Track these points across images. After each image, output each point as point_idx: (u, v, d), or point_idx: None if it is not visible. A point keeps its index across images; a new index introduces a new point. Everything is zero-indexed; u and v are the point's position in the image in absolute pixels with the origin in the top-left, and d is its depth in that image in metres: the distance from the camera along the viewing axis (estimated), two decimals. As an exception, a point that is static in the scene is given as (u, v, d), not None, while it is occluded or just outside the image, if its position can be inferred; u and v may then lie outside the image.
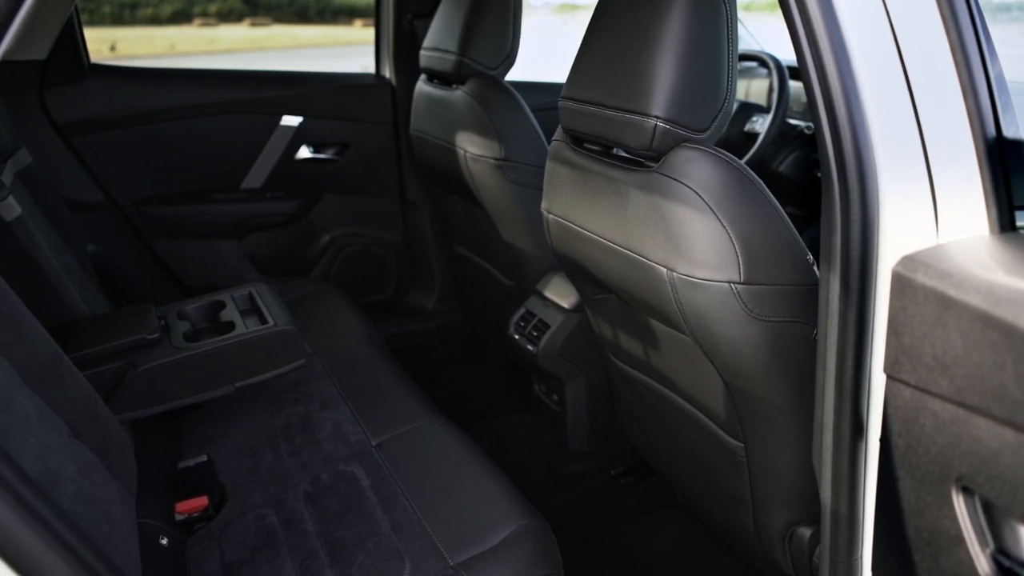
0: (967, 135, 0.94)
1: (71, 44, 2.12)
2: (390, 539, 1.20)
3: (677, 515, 1.87)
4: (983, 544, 0.84)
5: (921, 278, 0.84)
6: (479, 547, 1.16)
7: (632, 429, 1.74)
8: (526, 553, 1.16)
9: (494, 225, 2.00)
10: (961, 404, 0.81)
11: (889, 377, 0.90)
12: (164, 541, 1.26)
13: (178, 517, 1.32)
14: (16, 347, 1.12)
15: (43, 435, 1.05)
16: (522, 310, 1.98)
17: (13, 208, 1.48)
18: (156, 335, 1.50)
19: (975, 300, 0.78)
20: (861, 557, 1.06)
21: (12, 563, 0.68)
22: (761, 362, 1.16)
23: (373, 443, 1.45)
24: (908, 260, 0.88)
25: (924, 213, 0.93)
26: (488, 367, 2.57)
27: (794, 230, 1.14)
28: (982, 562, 0.83)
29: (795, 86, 2.34)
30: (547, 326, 1.88)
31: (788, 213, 1.15)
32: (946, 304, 0.81)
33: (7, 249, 1.45)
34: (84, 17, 2.22)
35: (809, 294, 1.12)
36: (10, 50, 0.66)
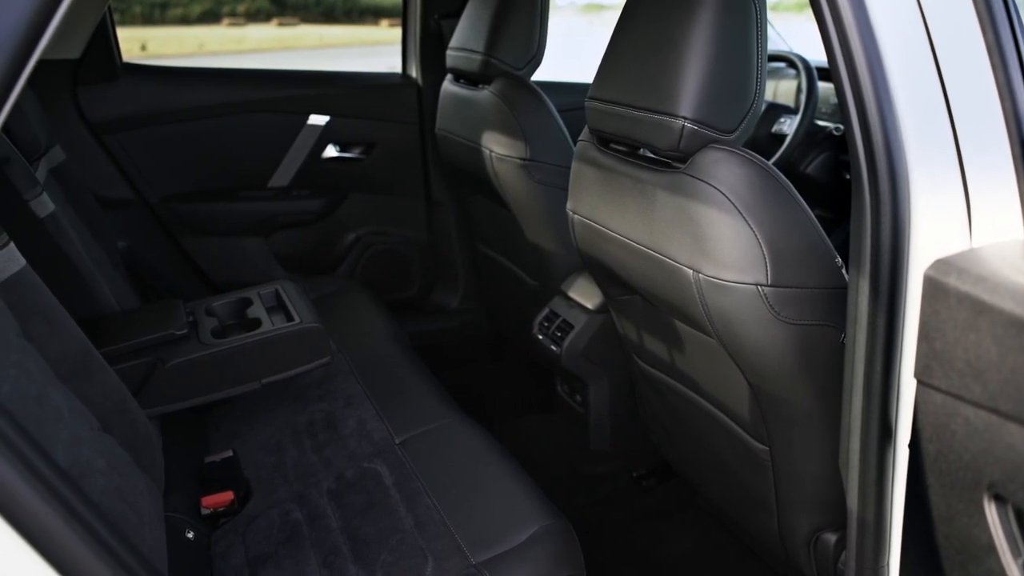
0: (1003, 137, 0.92)
1: (104, 43, 2.16)
2: (413, 537, 1.20)
3: (699, 518, 1.86)
4: (1015, 553, 0.82)
5: (954, 282, 0.83)
6: (501, 547, 1.16)
7: (655, 431, 1.73)
8: (548, 554, 1.16)
9: (519, 225, 2.00)
10: (994, 411, 0.79)
11: (920, 382, 0.89)
12: (190, 535, 1.27)
13: (204, 511, 1.34)
14: (49, 341, 1.14)
15: (74, 428, 1.07)
16: (546, 310, 1.98)
17: (47, 205, 1.51)
18: (184, 331, 1.52)
19: (1010, 305, 0.77)
20: (888, 564, 1.05)
21: (45, 554, 0.70)
22: (788, 365, 1.15)
23: (396, 441, 1.45)
24: (941, 264, 0.86)
25: (957, 216, 0.92)
26: (511, 367, 2.57)
27: (823, 232, 1.12)
28: (1014, 571, 0.82)
29: (823, 87, 2.31)
30: (571, 327, 1.88)
31: (816, 215, 1.14)
32: (980, 309, 0.80)
33: (41, 245, 1.47)
34: (115, 17, 2.25)
35: (837, 297, 1.11)
36: (45, 49, 0.67)
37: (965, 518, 0.85)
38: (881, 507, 1.02)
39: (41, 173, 1.64)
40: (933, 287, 0.86)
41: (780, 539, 1.39)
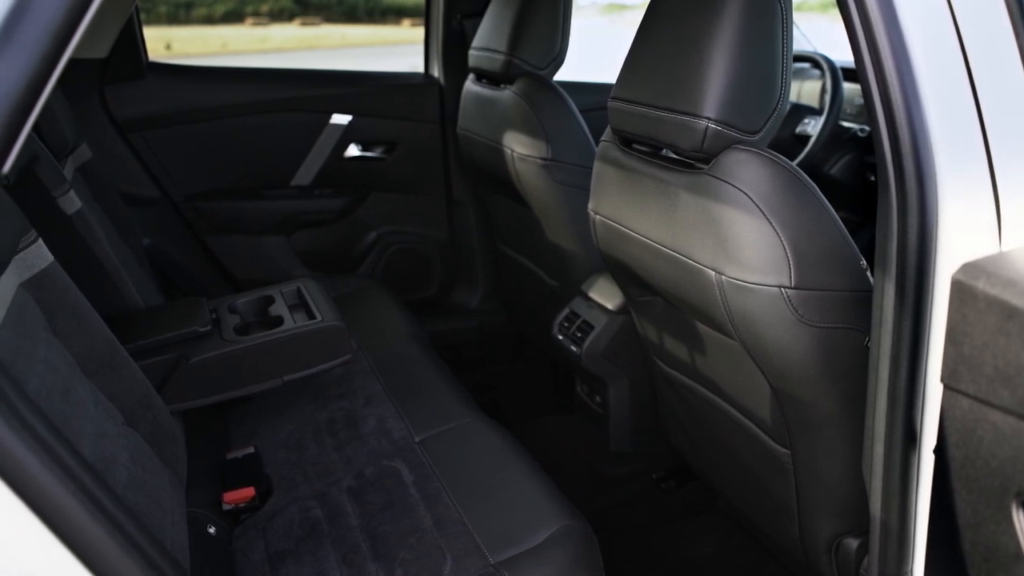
0: (1034, 139, 0.91)
1: (131, 43, 2.19)
2: (432, 535, 1.20)
3: (719, 521, 1.84)
4: (1044, 562, 0.81)
5: (983, 286, 0.82)
6: (520, 547, 1.16)
7: (675, 433, 1.72)
8: (567, 555, 1.15)
9: (540, 225, 2.00)
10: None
11: (946, 387, 0.88)
12: (212, 530, 1.28)
13: (225, 507, 1.35)
14: (76, 337, 1.15)
15: (99, 423, 1.08)
16: (566, 311, 1.98)
17: (74, 202, 1.53)
18: (207, 328, 1.53)
19: (1040, 310, 0.76)
20: (911, 571, 1.04)
21: (70, 545, 0.71)
22: (811, 368, 1.14)
23: (416, 439, 1.46)
24: (969, 267, 0.85)
25: (986, 219, 0.90)
26: (531, 367, 2.57)
27: (847, 235, 1.11)
28: (1042, 581, 0.81)
29: (848, 88, 2.29)
30: (591, 327, 1.88)
31: (840, 218, 1.12)
32: (1009, 313, 0.78)
33: (68, 242, 1.49)
34: (142, 17, 2.28)
35: (862, 300, 1.09)
36: (74, 49, 0.68)
37: (992, 525, 0.84)
38: (905, 513, 1.00)
39: (69, 171, 1.66)
40: (961, 291, 0.85)
41: (801, 543, 1.38)
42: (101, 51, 2.14)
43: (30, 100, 0.65)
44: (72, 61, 0.68)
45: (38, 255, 1.15)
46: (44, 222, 1.28)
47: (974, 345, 0.83)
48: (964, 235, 0.90)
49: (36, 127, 1.57)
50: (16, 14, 0.64)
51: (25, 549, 0.70)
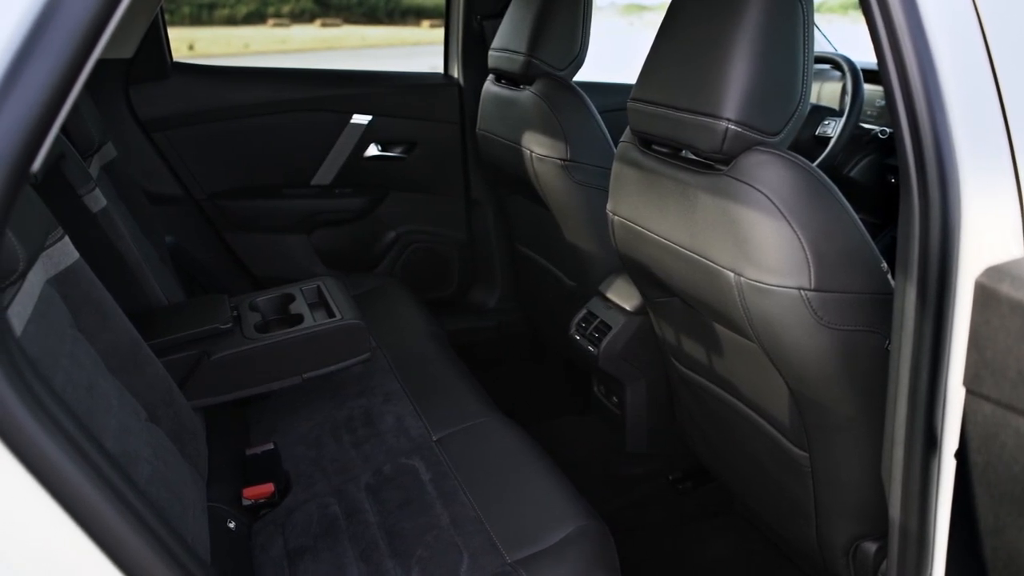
0: (1060, 141, 0.90)
1: (156, 43, 2.21)
2: (449, 533, 1.21)
3: (735, 523, 1.84)
4: (1066, 569, 0.80)
5: (1007, 290, 0.81)
6: (537, 546, 1.17)
7: (692, 435, 1.71)
8: (584, 555, 1.16)
9: (558, 225, 2.00)
10: (1046, 422, 0.77)
11: (969, 391, 0.87)
12: (231, 525, 1.30)
13: (245, 502, 1.36)
14: (100, 333, 1.17)
15: (122, 418, 1.10)
16: (584, 311, 1.98)
17: (99, 200, 1.55)
18: (229, 325, 1.55)
19: (1064, 314, 0.75)
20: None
21: (95, 537, 0.72)
22: (830, 371, 1.13)
23: (434, 438, 1.47)
24: (993, 271, 0.84)
25: (1010, 222, 0.89)
26: (548, 367, 2.57)
27: (867, 236, 1.10)
28: (1064, 588, 0.80)
29: (869, 89, 2.27)
30: (609, 328, 1.87)
31: (860, 220, 1.12)
32: (1032, 317, 0.78)
33: (93, 239, 1.51)
34: (166, 17, 2.31)
35: (882, 303, 1.09)
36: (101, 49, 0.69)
37: (1015, 531, 0.83)
38: (925, 517, 1.00)
39: (94, 169, 1.69)
40: (984, 295, 0.84)
41: (818, 547, 1.37)
42: (127, 51, 2.17)
43: (58, 100, 0.67)
44: (98, 61, 0.69)
45: (64, 252, 1.16)
46: (70, 219, 1.30)
47: (997, 350, 0.82)
48: (988, 238, 0.89)
49: (63, 126, 1.59)
50: (45, 16, 0.65)
51: (51, 541, 0.71)
